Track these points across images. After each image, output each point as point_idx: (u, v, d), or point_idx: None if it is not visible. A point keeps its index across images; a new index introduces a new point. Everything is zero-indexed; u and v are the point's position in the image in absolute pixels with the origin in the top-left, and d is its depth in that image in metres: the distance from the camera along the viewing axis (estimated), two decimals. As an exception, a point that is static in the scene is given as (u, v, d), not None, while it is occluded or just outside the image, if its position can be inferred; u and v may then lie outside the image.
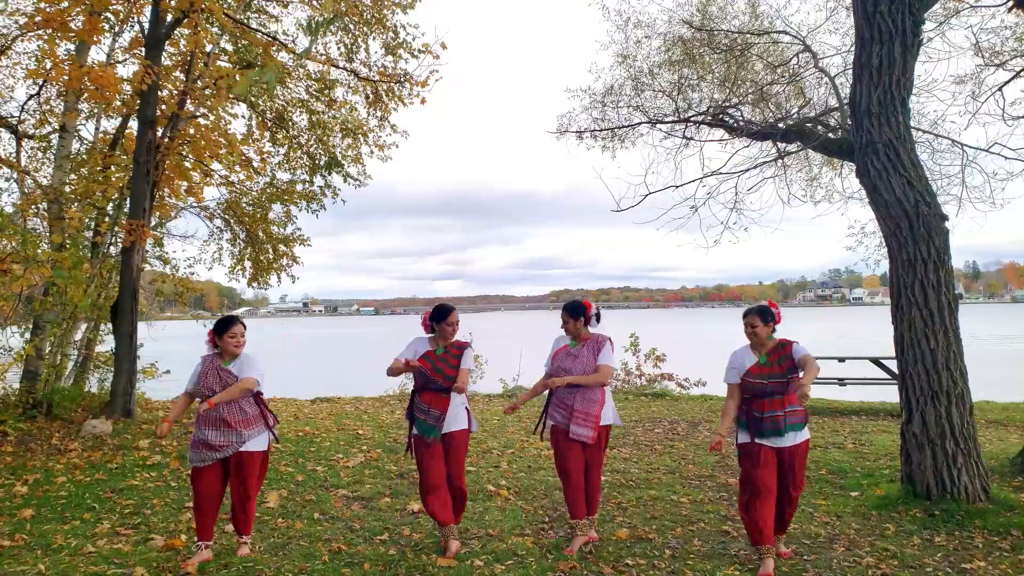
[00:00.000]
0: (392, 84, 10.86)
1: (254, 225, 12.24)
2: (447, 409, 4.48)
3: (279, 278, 12.81)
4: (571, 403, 4.54)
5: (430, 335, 4.68)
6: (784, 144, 9.07)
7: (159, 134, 9.71)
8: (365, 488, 6.13)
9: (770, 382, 4.22)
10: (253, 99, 11.25)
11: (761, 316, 4.32)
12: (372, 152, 11.90)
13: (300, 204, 12.04)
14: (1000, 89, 8.24)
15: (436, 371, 4.49)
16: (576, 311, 4.64)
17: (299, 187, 12.08)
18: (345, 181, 11.96)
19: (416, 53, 10.46)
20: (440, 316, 4.60)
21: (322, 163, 11.82)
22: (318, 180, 12.05)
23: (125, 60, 11.26)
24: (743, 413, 4.35)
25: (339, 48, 10.92)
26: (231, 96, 10.18)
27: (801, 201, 10.24)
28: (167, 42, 9.61)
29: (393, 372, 4.47)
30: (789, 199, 9.84)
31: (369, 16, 10.36)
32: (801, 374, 4.14)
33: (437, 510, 4.46)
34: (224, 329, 4.39)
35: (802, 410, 4.25)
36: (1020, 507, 5.15)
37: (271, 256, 12.57)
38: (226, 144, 10.00)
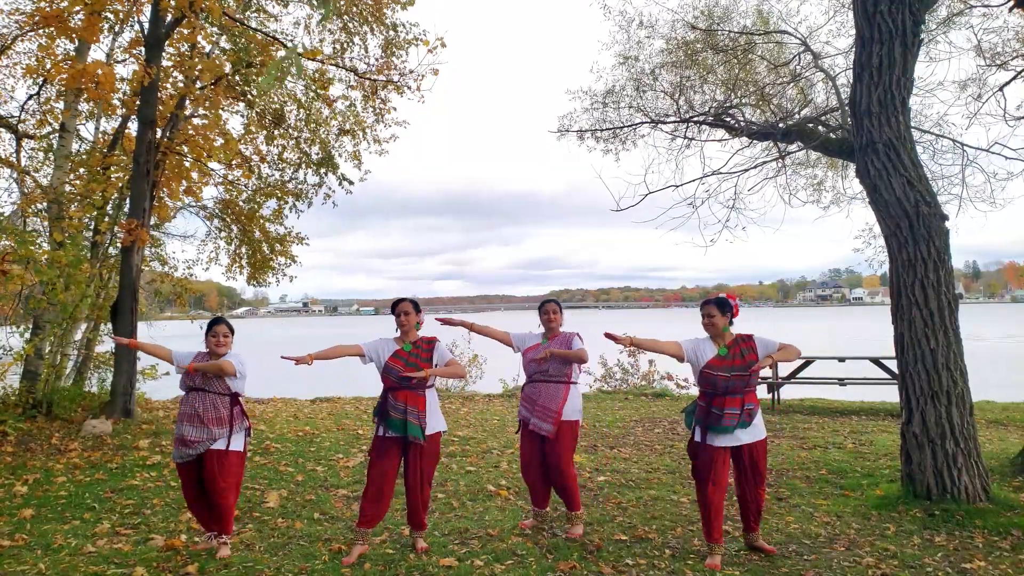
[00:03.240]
0: (390, 84, 10.87)
1: (250, 223, 12.22)
2: (425, 408, 4.44)
3: (277, 279, 12.77)
4: (535, 399, 4.80)
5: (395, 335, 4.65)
6: (785, 144, 9.07)
7: (159, 134, 9.71)
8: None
9: (732, 375, 4.26)
10: (252, 97, 11.24)
11: (719, 306, 4.39)
12: (370, 148, 11.90)
13: (289, 200, 11.99)
14: (1001, 89, 8.24)
15: (410, 366, 4.43)
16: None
17: (290, 185, 12.06)
18: (340, 184, 11.91)
19: (415, 42, 10.47)
20: (392, 309, 4.61)
21: (316, 160, 11.78)
22: (312, 178, 12.01)
23: (125, 60, 11.26)
24: (700, 409, 4.39)
25: (335, 47, 10.93)
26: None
27: (802, 202, 10.25)
28: (167, 42, 9.61)
29: (330, 355, 4.42)
30: (790, 199, 9.85)
31: (367, 13, 10.37)
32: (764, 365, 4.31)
33: (371, 517, 4.47)
34: (208, 328, 4.52)
35: (756, 407, 4.34)
36: (1020, 507, 5.15)
37: (268, 254, 12.52)
38: (223, 142, 9.99)
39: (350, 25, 10.63)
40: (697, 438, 4.38)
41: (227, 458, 4.40)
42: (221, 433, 4.38)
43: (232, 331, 4.57)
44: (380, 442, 4.49)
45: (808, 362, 11.37)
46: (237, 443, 4.47)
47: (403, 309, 4.55)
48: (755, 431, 4.33)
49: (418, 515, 4.53)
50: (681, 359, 4.41)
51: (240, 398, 4.55)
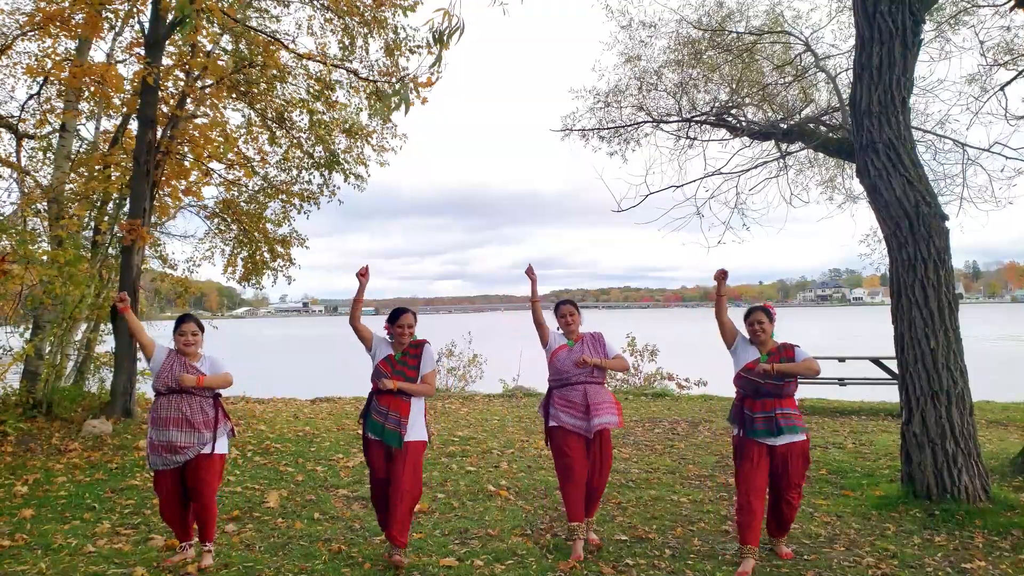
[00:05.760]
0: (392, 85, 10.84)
1: (252, 224, 12.19)
2: (408, 414, 4.30)
3: (274, 279, 12.66)
4: (580, 400, 4.50)
5: (389, 339, 4.50)
6: (786, 144, 9.08)
7: (159, 134, 9.71)
8: (365, 488, 6.11)
9: (766, 382, 4.27)
10: (254, 96, 11.22)
11: (767, 314, 4.43)
12: (371, 157, 11.89)
13: (295, 203, 11.96)
14: (1002, 89, 8.24)
15: (396, 374, 4.34)
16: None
17: (296, 187, 12.03)
18: (346, 180, 11.91)
19: (415, 49, 10.42)
20: (392, 318, 4.46)
21: (321, 161, 11.76)
22: (316, 179, 12.00)
23: (126, 60, 11.26)
24: (736, 409, 4.44)
25: (340, 48, 10.90)
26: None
27: (803, 202, 10.25)
28: (167, 42, 9.60)
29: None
30: (791, 199, 9.84)
31: (369, 16, 10.35)
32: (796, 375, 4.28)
33: (381, 522, 4.32)
34: (175, 327, 4.29)
35: (796, 413, 4.31)
36: (1020, 507, 5.15)
37: (267, 256, 12.45)
38: (222, 140, 9.98)
39: (351, 25, 10.61)
40: (736, 433, 4.41)
41: (213, 462, 4.25)
42: (209, 436, 4.22)
43: (201, 328, 4.35)
44: (366, 444, 4.39)
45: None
46: (222, 446, 4.34)
47: (407, 322, 4.42)
48: (792, 434, 4.26)
49: (394, 529, 4.25)
50: (729, 345, 4.50)
51: (220, 398, 4.42)
